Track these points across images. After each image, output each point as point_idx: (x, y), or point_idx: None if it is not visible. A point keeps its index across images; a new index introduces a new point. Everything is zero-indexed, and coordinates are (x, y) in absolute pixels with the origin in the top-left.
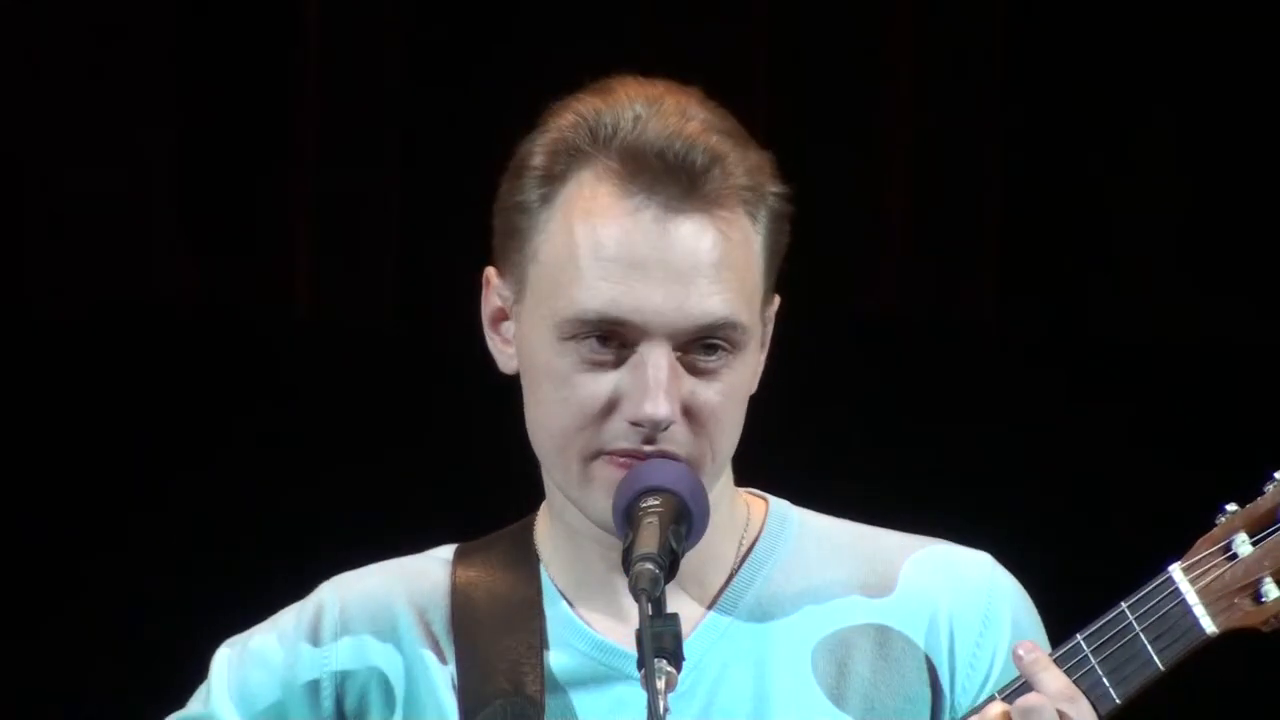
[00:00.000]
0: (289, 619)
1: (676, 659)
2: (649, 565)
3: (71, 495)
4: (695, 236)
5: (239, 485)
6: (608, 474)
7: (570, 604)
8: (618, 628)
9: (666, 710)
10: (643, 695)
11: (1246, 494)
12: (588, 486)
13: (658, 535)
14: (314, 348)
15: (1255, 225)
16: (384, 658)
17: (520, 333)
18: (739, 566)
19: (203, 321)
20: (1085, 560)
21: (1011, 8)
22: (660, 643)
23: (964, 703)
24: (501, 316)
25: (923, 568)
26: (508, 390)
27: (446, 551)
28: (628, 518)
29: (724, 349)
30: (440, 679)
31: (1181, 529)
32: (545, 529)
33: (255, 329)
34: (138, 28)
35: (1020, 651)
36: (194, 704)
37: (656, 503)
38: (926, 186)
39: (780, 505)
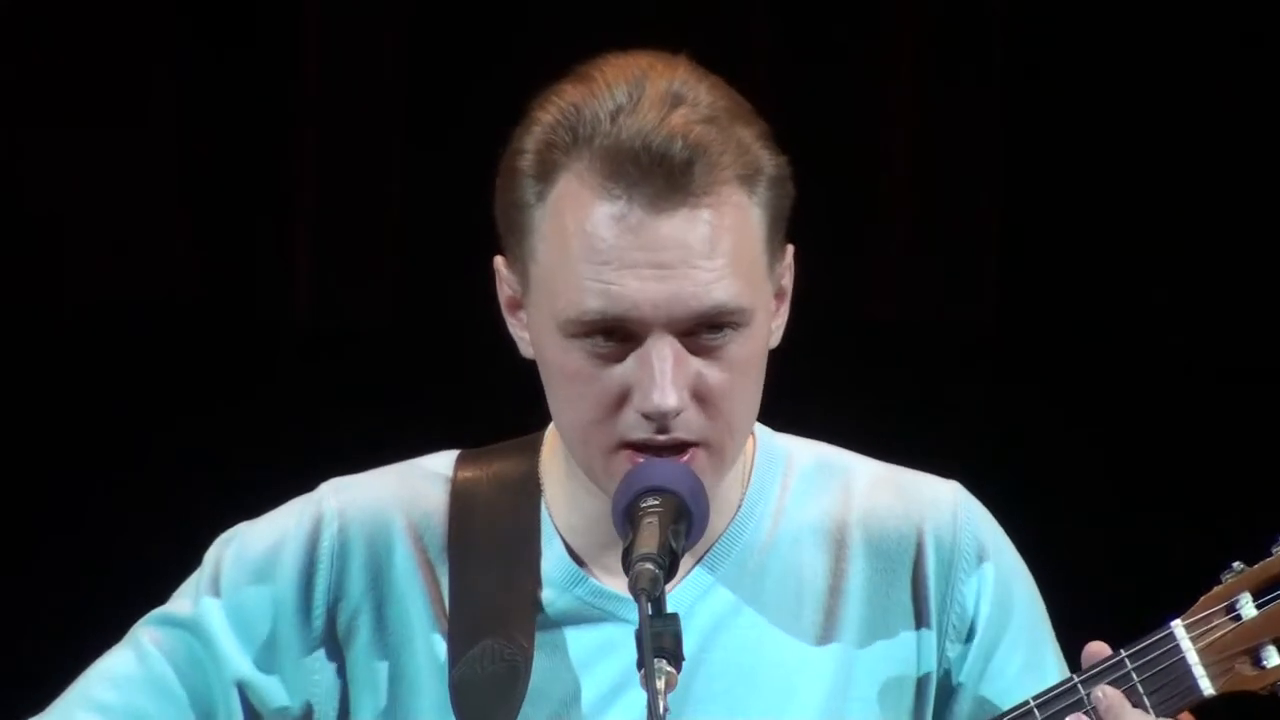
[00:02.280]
0: (287, 524)
1: (676, 659)
2: (649, 565)
3: (72, 495)
4: (683, 230)
5: (239, 485)
6: (628, 468)
7: (567, 544)
8: (612, 568)
9: (666, 710)
10: (631, 635)
11: (1253, 553)
12: (611, 478)
13: (658, 535)
14: (314, 348)
15: (1246, 229)
16: (377, 587)
17: (530, 325)
18: (737, 510)
19: (203, 321)
20: (1087, 561)
21: (1012, 6)
22: (660, 643)
23: (954, 638)
24: (516, 304)
25: (900, 502)
26: (507, 390)
27: (447, 465)
28: (628, 518)
29: (728, 328)
30: (431, 611)
31: (1181, 530)
32: (551, 460)
33: (255, 329)
34: (138, 28)
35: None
36: (181, 600)
37: (656, 503)
38: (927, 188)
39: (765, 436)
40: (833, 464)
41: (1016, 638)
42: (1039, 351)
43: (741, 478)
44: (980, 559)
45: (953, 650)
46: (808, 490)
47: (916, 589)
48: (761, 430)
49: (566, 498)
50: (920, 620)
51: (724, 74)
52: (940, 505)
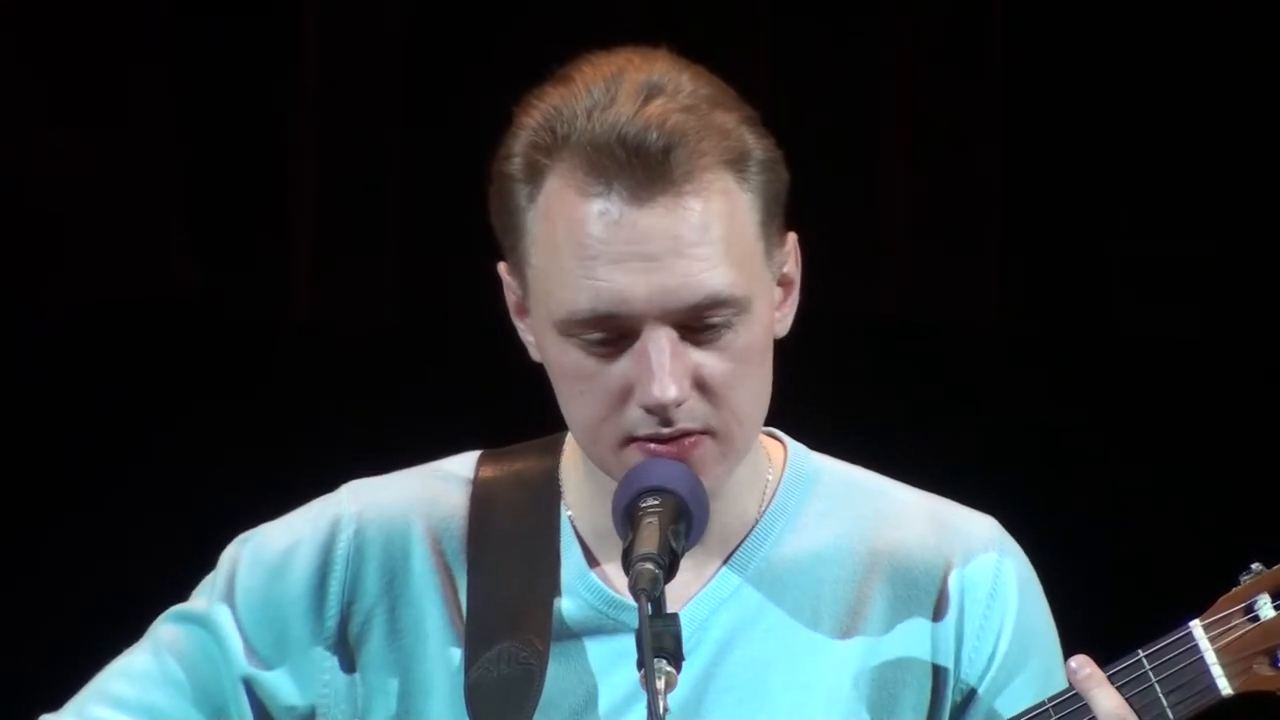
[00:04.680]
0: (304, 526)
1: (676, 659)
2: (649, 565)
3: (71, 495)
4: (669, 219)
5: (238, 485)
6: (639, 459)
7: (586, 550)
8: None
9: (666, 710)
10: None
11: (1271, 554)
12: (624, 472)
13: (657, 535)
14: (314, 348)
15: (1252, 223)
16: (391, 590)
17: (533, 328)
18: (758, 521)
19: (203, 321)
20: (1086, 559)
21: (1011, 6)
22: (660, 643)
23: (970, 674)
24: (521, 309)
25: (932, 532)
26: (508, 390)
27: (468, 466)
28: (628, 518)
29: (724, 318)
30: (447, 614)
31: (1197, 529)
32: (571, 463)
33: (255, 329)
34: (137, 28)
35: (1073, 665)
36: (197, 599)
37: (656, 503)
38: (927, 185)
39: (798, 454)
40: (867, 488)
41: (1030, 680)
42: (1040, 348)
43: (766, 486)
44: (1007, 598)
45: (966, 684)
46: (836, 510)
47: (937, 620)
48: (795, 447)
49: (586, 500)
50: (938, 651)
51: (723, 70)
52: (973, 540)
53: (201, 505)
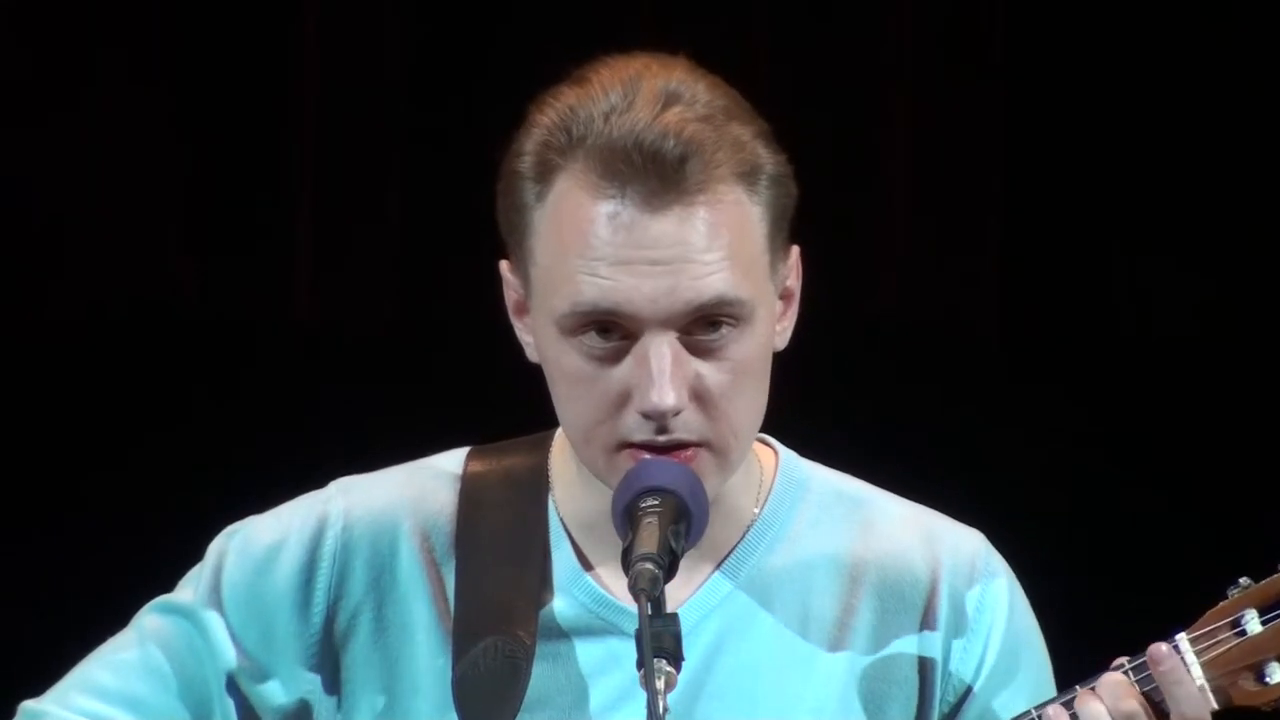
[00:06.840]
0: (292, 522)
1: (676, 659)
2: (649, 565)
3: (70, 495)
4: (678, 227)
5: (237, 485)
6: (631, 466)
7: (575, 547)
8: (620, 579)
9: (666, 710)
10: (633, 648)
11: (1260, 569)
12: (615, 476)
13: (657, 535)
14: (314, 351)
15: (1253, 225)
16: (378, 587)
17: (533, 327)
18: (750, 527)
19: (202, 324)
20: (1085, 560)
21: (1012, 6)
22: (660, 643)
23: (957, 687)
24: (521, 308)
25: (920, 545)
26: (507, 390)
27: (457, 463)
28: (627, 517)
29: (727, 324)
30: (433, 611)
31: (1178, 529)
32: (561, 459)
33: (255, 329)
34: (138, 29)
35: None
36: (184, 590)
37: (656, 503)
38: (927, 185)
39: (789, 461)
40: (856, 498)
41: (1016, 693)
42: (1040, 348)
43: (758, 493)
44: (995, 612)
45: (952, 697)
46: (825, 520)
47: (924, 634)
48: (786, 454)
49: (575, 497)
50: (925, 663)
51: (723, 70)
52: (960, 554)
53: (200, 505)
